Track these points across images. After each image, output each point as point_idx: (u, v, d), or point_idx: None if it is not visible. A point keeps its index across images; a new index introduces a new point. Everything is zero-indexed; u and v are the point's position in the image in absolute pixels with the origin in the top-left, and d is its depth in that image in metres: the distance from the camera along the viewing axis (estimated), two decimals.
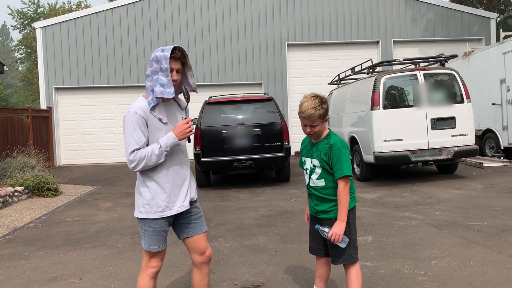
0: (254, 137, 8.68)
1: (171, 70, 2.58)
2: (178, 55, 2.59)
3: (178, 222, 2.78)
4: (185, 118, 2.74)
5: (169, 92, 2.56)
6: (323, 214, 2.84)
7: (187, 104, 2.80)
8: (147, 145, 2.61)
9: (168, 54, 2.53)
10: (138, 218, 2.70)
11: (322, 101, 2.72)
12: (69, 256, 4.84)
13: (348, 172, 2.72)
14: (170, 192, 2.66)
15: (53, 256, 4.87)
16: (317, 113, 2.69)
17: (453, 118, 8.17)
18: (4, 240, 5.72)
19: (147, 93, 2.63)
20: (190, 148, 10.38)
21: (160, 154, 2.58)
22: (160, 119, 2.64)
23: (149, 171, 2.65)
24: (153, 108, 2.62)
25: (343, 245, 2.76)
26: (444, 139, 8.11)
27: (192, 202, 2.79)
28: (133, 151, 2.56)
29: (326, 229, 2.76)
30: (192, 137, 2.79)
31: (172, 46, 2.57)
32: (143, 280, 2.71)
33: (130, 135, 2.58)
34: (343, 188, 2.73)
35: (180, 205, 2.69)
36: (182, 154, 2.76)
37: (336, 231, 2.70)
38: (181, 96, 2.84)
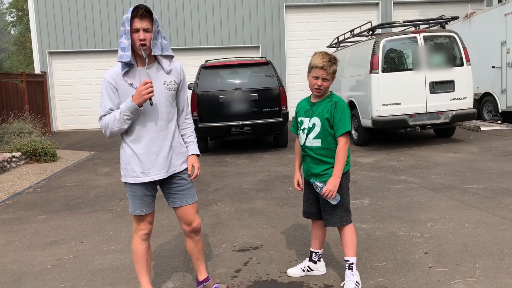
0: (252, 102, 8.62)
1: (137, 30, 2.46)
2: (141, 12, 2.44)
3: (165, 191, 2.77)
4: (168, 84, 2.63)
5: (127, 55, 2.48)
6: (316, 177, 2.85)
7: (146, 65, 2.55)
8: None
9: (129, 15, 2.43)
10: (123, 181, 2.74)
11: (336, 59, 2.81)
12: (69, 221, 4.89)
13: (349, 129, 2.77)
14: (144, 159, 2.60)
15: (53, 221, 4.93)
16: (332, 67, 2.76)
17: (452, 82, 8.10)
18: (4, 205, 5.77)
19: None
20: None
21: (121, 119, 2.51)
22: (131, 84, 2.57)
23: (124, 136, 2.64)
24: (125, 74, 2.56)
25: (334, 202, 2.78)
26: (442, 102, 8.07)
27: (178, 173, 2.71)
28: (101, 117, 2.60)
29: (320, 184, 2.77)
30: (161, 99, 2.60)
31: (134, 5, 2.46)
32: (136, 242, 2.77)
33: (100, 102, 2.62)
34: (343, 145, 2.75)
35: (156, 173, 2.62)
36: (160, 120, 2.62)
37: (330, 188, 2.72)
38: (165, 60, 2.64)
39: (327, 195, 2.73)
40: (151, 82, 2.48)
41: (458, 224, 4.02)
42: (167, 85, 2.65)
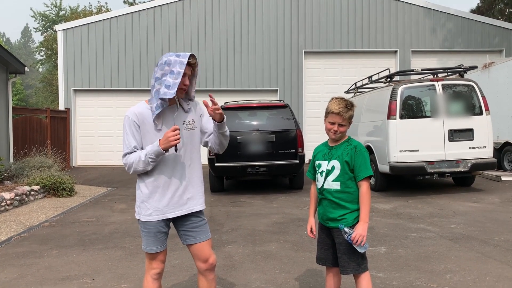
0: (269, 143, 8.67)
1: (185, 75, 2.58)
2: (194, 61, 2.61)
3: (178, 229, 2.78)
4: (187, 124, 2.71)
5: (172, 93, 2.53)
6: (332, 222, 2.81)
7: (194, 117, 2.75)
8: (142, 149, 2.64)
9: (185, 60, 2.54)
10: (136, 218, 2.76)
11: (352, 104, 2.83)
12: (82, 256, 4.88)
13: (372, 173, 2.78)
14: (159, 198, 2.65)
15: (67, 256, 4.92)
16: (349, 113, 2.77)
17: (471, 130, 8.05)
18: (20, 238, 5.80)
19: (154, 96, 2.59)
20: (204, 153, 10.44)
21: (146, 161, 2.56)
22: (156, 125, 2.63)
23: (142, 174, 2.68)
24: (157, 116, 2.61)
25: (362, 250, 2.69)
26: (461, 151, 7.99)
27: (194, 213, 2.75)
28: (125, 155, 2.65)
29: (348, 230, 2.69)
30: (205, 147, 2.74)
31: (189, 53, 2.59)
32: (147, 281, 2.74)
33: (123, 139, 2.67)
34: (367, 189, 2.74)
35: (171, 211, 2.67)
36: (179, 161, 2.68)
37: (360, 232, 2.66)
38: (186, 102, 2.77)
39: (357, 241, 2.66)
40: (179, 129, 2.55)
41: (479, 277, 3.88)
42: (186, 125, 2.71)
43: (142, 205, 2.68)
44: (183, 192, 2.69)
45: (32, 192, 8.53)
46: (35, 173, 9.55)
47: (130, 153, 2.63)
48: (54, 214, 7.38)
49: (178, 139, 2.53)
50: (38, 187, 8.77)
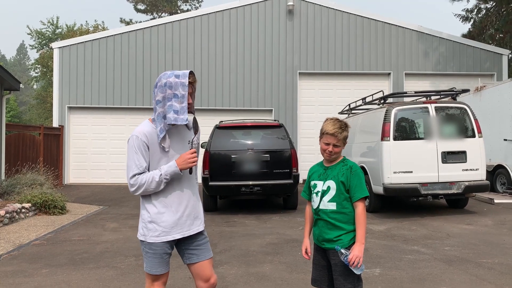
0: (263, 163, 8.67)
1: (188, 94, 2.59)
2: (193, 80, 2.61)
3: (181, 248, 2.74)
4: (192, 143, 2.72)
5: (183, 118, 2.55)
6: (328, 243, 2.79)
7: (195, 135, 2.76)
8: (148, 169, 2.61)
9: (185, 81, 2.53)
10: (139, 240, 2.69)
11: (347, 125, 2.85)
12: (73, 276, 4.80)
13: (367, 194, 2.77)
14: (167, 218, 2.62)
15: (57, 275, 4.84)
16: (343, 133, 2.79)
17: (464, 152, 8.11)
18: (9, 257, 5.70)
19: (157, 120, 2.59)
20: (198, 172, 10.36)
21: (160, 181, 2.55)
22: (163, 147, 2.62)
23: (151, 194, 2.64)
24: (163, 138, 2.60)
25: (358, 272, 2.67)
26: (454, 173, 8.03)
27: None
28: (134, 175, 2.57)
29: (344, 251, 2.67)
30: (198, 166, 2.77)
31: (187, 72, 2.58)
32: None
33: (131, 159, 2.59)
34: (363, 209, 2.74)
35: (177, 232, 2.64)
36: (185, 180, 2.69)
37: (357, 254, 2.64)
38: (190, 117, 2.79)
39: (354, 262, 2.63)
40: (195, 152, 2.60)
41: None
42: (192, 144, 2.74)
43: (150, 226, 2.62)
44: (190, 211, 2.69)
45: (23, 210, 8.42)
46: (26, 190, 9.44)
47: (140, 173, 2.57)
48: (45, 232, 7.27)
49: (196, 161, 2.58)
50: (29, 204, 8.66)
